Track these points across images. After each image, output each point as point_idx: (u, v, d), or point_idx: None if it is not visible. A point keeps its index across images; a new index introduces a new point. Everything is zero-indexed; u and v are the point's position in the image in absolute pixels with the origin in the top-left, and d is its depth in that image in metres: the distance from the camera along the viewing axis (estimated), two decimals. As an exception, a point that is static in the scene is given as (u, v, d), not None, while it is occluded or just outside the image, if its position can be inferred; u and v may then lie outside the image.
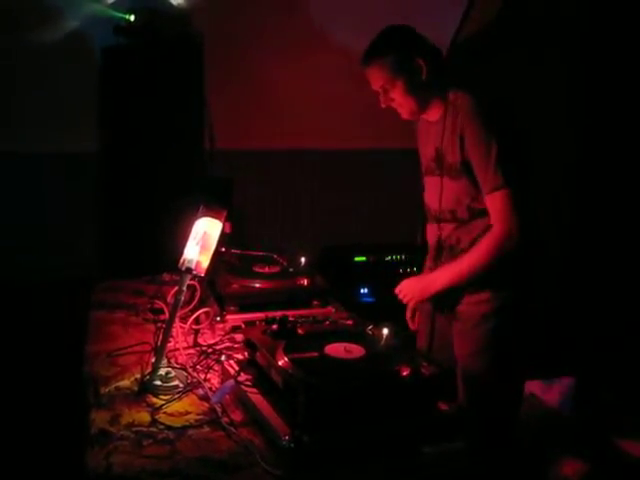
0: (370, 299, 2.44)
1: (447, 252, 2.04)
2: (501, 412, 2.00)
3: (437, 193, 2.04)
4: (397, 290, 2.09)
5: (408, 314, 2.25)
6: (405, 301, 2.09)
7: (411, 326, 2.26)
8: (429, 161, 2.08)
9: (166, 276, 2.54)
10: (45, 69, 3.55)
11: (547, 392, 2.87)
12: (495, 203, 1.87)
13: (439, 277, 2.00)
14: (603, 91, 3.66)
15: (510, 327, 1.97)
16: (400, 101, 1.97)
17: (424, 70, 1.92)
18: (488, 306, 1.96)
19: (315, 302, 2.18)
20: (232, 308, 2.05)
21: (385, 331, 1.63)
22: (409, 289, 2.06)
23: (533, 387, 2.84)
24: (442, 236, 2.05)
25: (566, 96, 3.75)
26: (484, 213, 1.92)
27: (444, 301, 2.06)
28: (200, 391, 1.65)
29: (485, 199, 1.89)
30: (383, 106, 2.00)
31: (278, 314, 1.79)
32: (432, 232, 2.12)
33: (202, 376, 1.72)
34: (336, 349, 1.56)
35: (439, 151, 2.00)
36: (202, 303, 2.10)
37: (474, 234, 1.95)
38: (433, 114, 2.01)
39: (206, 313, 2.06)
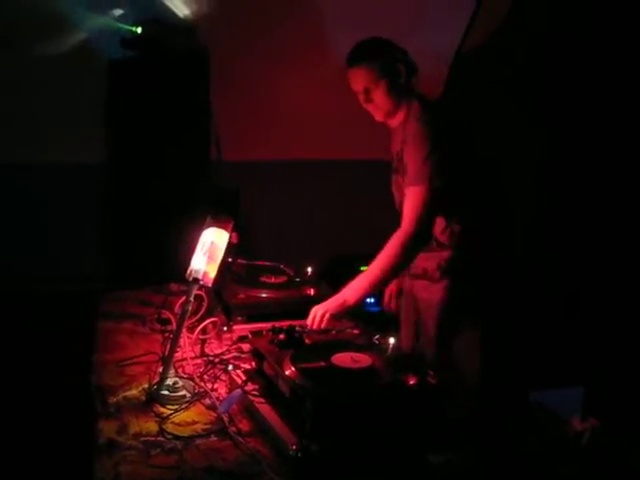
0: (376, 308, 2.45)
1: None
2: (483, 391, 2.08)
3: (399, 191, 2.19)
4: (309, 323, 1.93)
5: (386, 299, 2.49)
6: (317, 320, 1.92)
7: (391, 307, 2.46)
8: (394, 162, 2.25)
9: (173, 286, 2.55)
10: (53, 81, 3.57)
11: (554, 402, 2.86)
12: (412, 199, 1.99)
13: (355, 288, 2.00)
14: (599, 97, 3.66)
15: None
16: (379, 101, 2.12)
17: (403, 74, 2.11)
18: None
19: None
20: (239, 318, 2.06)
21: (392, 340, 1.64)
22: (317, 308, 1.96)
23: (540, 397, 2.83)
24: None
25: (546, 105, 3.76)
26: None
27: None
28: (207, 401, 1.66)
29: (406, 192, 2.03)
30: (364, 106, 2.16)
31: (285, 324, 1.79)
32: None
33: (209, 386, 1.73)
34: (343, 359, 1.56)
35: (399, 155, 2.16)
36: (209, 313, 2.11)
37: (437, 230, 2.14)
38: (397, 119, 2.18)
39: (213, 323, 2.07)
